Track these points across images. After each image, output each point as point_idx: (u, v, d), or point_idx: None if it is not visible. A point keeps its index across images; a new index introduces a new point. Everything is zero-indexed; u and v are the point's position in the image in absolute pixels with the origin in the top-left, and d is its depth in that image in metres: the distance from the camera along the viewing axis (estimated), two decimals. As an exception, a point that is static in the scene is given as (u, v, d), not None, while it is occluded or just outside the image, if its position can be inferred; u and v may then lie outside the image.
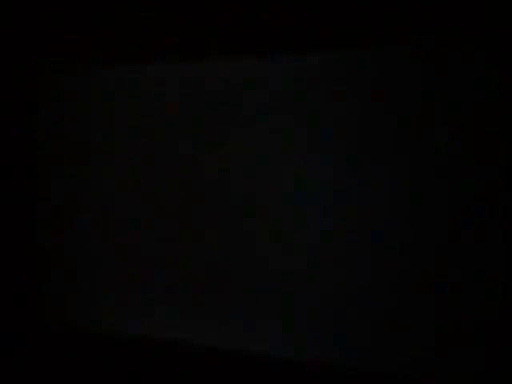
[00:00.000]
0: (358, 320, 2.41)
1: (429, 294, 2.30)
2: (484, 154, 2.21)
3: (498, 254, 2.19)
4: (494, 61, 2.19)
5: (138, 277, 2.82)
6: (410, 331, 2.33)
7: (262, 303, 2.57)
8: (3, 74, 3.07)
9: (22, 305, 3.07)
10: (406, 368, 2.34)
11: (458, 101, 2.24)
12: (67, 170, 2.98)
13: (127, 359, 2.82)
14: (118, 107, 2.86)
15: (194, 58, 2.68)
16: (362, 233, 2.40)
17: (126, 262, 2.84)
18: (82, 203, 2.95)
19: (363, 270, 2.39)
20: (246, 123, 2.59)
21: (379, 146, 2.37)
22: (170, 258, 2.75)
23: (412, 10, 2.29)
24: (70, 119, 2.97)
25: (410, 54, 2.31)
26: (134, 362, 2.80)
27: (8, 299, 3.06)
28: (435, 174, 2.28)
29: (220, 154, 2.64)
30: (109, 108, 2.88)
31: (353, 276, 2.41)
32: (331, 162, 2.45)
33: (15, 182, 3.07)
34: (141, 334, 2.81)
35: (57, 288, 3.01)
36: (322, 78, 2.46)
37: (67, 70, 2.97)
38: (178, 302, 2.73)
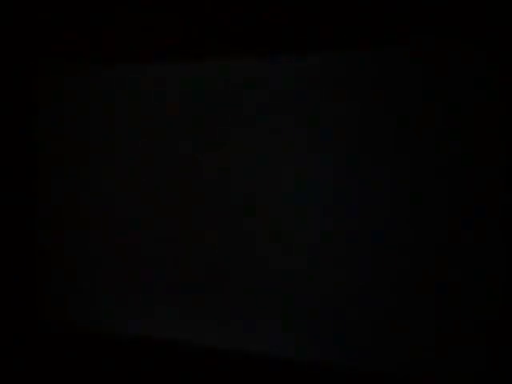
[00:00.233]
0: (357, 320, 2.41)
1: (429, 293, 2.29)
2: (484, 154, 2.21)
3: (497, 254, 2.19)
4: (493, 61, 2.19)
5: (138, 277, 2.82)
6: (410, 331, 2.33)
7: (262, 303, 2.57)
8: (3, 74, 3.07)
9: (22, 305, 3.07)
10: (405, 368, 2.34)
11: (457, 101, 2.24)
12: (67, 169, 2.98)
13: (127, 359, 2.82)
14: (117, 107, 2.86)
15: (193, 57, 2.68)
16: (361, 233, 2.40)
17: (126, 262, 2.84)
18: (81, 203, 2.95)
19: (363, 270, 2.39)
20: (246, 123, 2.59)
21: (379, 146, 2.37)
22: (170, 258, 2.75)
23: (412, 10, 2.29)
24: (70, 119, 2.97)
25: (410, 54, 2.31)
26: (134, 361, 2.80)
27: (8, 299, 3.06)
28: (435, 174, 2.28)
29: (220, 154, 2.64)
30: (109, 108, 2.88)
31: (353, 276, 2.41)
32: (331, 162, 2.45)
33: (15, 181, 3.07)
34: (141, 334, 2.81)
35: (57, 288, 3.01)
36: (322, 78, 2.46)
37: (67, 70, 2.97)
38: (178, 302, 2.73)
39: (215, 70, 2.65)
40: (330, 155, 2.45)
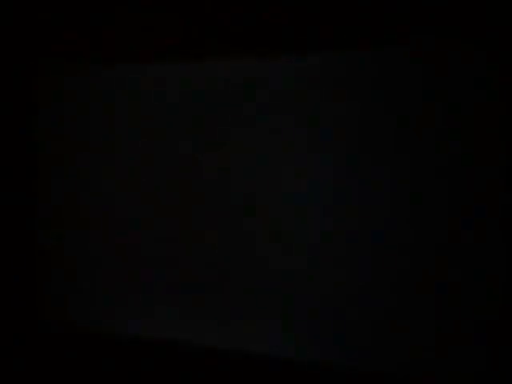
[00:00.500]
0: (358, 320, 2.41)
1: (429, 293, 2.29)
2: (484, 154, 2.21)
3: (498, 253, 2.19)
4: (494, 61, 2.19)
5: (138, 277, 2.82)
6: (410, 331, 2.33)
7: (262, 303, 2.57)
8: (3, 74, 3.07)
9: (22, 305, 3.07)
10: (406, 368, 2.34)
11: (458, 101, 2.24)
12: (67, 170, 2.98)
13: (127, 359, 2.82)
14: (118, 107, 2.86)
15: (194, 57, 2.68)
16: (361, 233, 2.40)
17: (126, 262, 2.84)
18: (81, 203, 2.95)
19: (363, 270, 2.39)
20: (246, 123, 2.59)
21: (379, 146, 2.37)
22: (170, 258, 2.75)
23: (412, 10, 2.29)
24: (70, 119, 2.97)
25: (410, 54, 2.31)
26: (134, 361, 2.80)
27: (8, 299, 3.06)
28: (435, 173, 2.28)
29: (220, 154, 2.64)
30: (109, 108, 2.88)
31: (353, 276, 2.41)
32: (331, 162, 2.45)
33: (15, 181, 3.07)
34: (141, 334, 2.81)
35: (57, 288, 3.01)
36: (322, 78, 2.46)
37: (67, 70, 2.97)
38: (178, 302, 2.73)
39: (215, 70, 2.65)
40: (329, 155, 2.45)
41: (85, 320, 2.94)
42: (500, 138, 2.19)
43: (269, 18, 2.52)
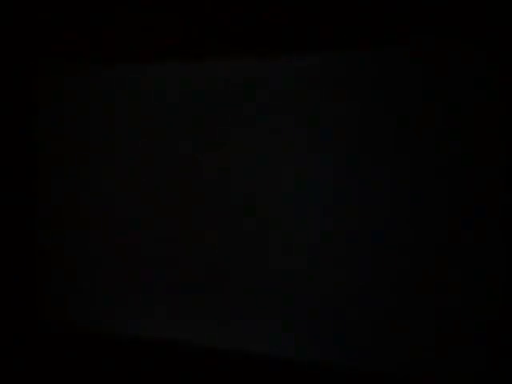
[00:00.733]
0: (358, 320, 2.41)
1: (429, 293, 2.29)
2: (484, 154, 2.21)
3: (498, 253, 2.19)
4: (493, 61, 2.19)
5: (138, 277, 2.82)
6: (410, 331, 2.33)
7: (262, 303, 2.57)
8: (3, 74, 3.07)
9: (22, 305, 3.07)
10: (406, 368, 2.34)
11: (458, 101, 2.24)
12: (67, 169, 2.98)
13: (127, 359, 2.82)
14: (117, 107, 2.86)
15: (194, 57, 2.68)
16: (361, 233, 2.40)
17: (126, 262, 2.84)
18: (81, 203, 2.95)
19: (363, 270, 2.39)
20: (246, 123, 2.59)
21: (379, 146, 2.37)
22: (170, 258, 2.75)
23: (412, 10, 2.29)
24: (70, 119, 2.97)
25: (410, 54, 2.31)
26: (133, 361, 2.80)
27: (8, 299, 3.06)
28: (435, 174, 2.28)
29: (220, 154, 2.64)
30: (109, 108, 2.88)
31: (353, 276, 2.41)
32: (331, 162, 2.45)
33: (15, 181, 3.07)
34: (141, 333, 2.81)
35: (57, 288, 3.01)
36: (322, 78, 2.46)
37: (67, 70, 2.97)
38: (178, 302, 2.73)
39: (215, 70, 2.65)
40: (329, 155, 2.45)
41: (85, 320, 2.94)
42: (500, 138, 2.19)
43: (269, 18, 2.52)
